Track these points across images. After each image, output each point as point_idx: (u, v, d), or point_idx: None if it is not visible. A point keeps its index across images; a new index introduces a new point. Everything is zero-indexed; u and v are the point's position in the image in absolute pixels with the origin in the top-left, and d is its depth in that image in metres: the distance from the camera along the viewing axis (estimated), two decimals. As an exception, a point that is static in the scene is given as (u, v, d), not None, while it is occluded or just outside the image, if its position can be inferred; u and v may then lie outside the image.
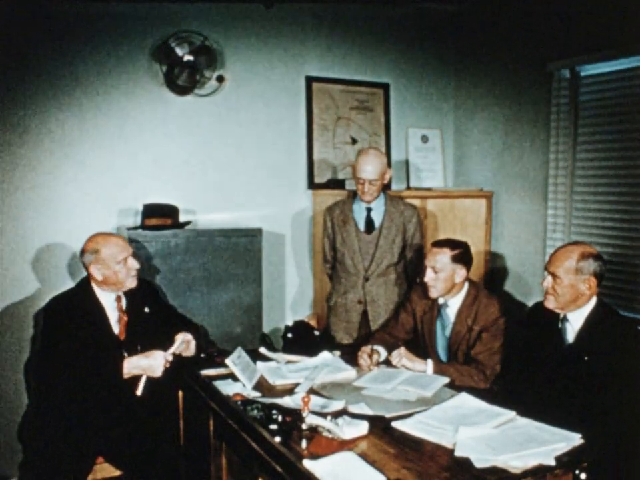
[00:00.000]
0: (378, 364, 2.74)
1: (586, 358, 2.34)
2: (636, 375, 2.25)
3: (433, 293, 2.85)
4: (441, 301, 2.91)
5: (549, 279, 2.43)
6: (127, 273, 2.71)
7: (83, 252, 2.72)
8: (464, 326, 2.83)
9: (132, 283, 2.74)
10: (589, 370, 2.33)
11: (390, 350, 2.84)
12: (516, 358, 2.68)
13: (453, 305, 2.88)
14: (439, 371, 2.68)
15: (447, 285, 2.82)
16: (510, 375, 2.69)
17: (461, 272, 2.83)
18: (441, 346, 2.94)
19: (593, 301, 2.43)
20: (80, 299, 2.70)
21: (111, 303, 2.74)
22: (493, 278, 3.99)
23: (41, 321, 2.74)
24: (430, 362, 2.72)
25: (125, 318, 2.75)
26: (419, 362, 2.73)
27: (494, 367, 2.71)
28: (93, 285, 2.73)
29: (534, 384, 2.50)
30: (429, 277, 2.83)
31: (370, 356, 2.72)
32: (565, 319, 2.46)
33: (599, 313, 2.41)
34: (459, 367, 2.73)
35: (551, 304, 2.44)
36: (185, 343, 2.74)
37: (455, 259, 2.81)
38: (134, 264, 2.74)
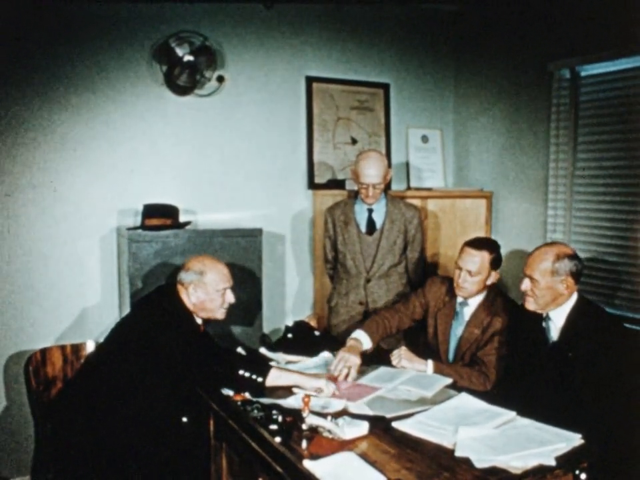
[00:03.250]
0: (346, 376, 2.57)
1: (570, 355, 2.37)
2: (619, 369, 2.27)
3: (463, 293, 2.78)
4: (460, 298, 2.85)
5: (527, 281, 2.45)
6: (221, 304, 2.66)
7: (186, 269, 2.64)
8: (478, 327, 2.77)
9: (221, 315, 2.69)
10: (573, 367, 2.35)
11: (379, 338, 2.82)
12: (506, 358, 2.68)
13: (472, 304, 2.82)
14: (439, 371, 2.66)
15: (480, 287, 2.77)
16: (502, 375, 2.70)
17: (494, 274, 2.79)
18: (451, 344, 2.88)
19: (574, 297, 2.46)
20: (179, 316, 2.60)
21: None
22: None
23: (144, 323, 2.59)
24: (430, 362, 2.69)
25: None
26: (418, 362, 2.70)
27: (496, 372, 2.67)
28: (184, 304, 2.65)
29: (522, 383, 2.51)
30: (463, 278, 2.73)
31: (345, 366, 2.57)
32: (547, 318, 2.49)
33: (580, 310, 2.44)
34: (460, 368, 2.70)
35: (531, 306, 2.47)
36: None
37: (492, 263, 2.75)
38: (230, 298, 2.68)
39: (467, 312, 2.83)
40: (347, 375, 2.54)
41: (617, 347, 2.31)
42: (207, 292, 2.61)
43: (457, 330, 2.85)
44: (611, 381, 2.27)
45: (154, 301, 2.67)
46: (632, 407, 2.24)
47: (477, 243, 2.79)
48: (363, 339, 2.78)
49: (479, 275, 2.73)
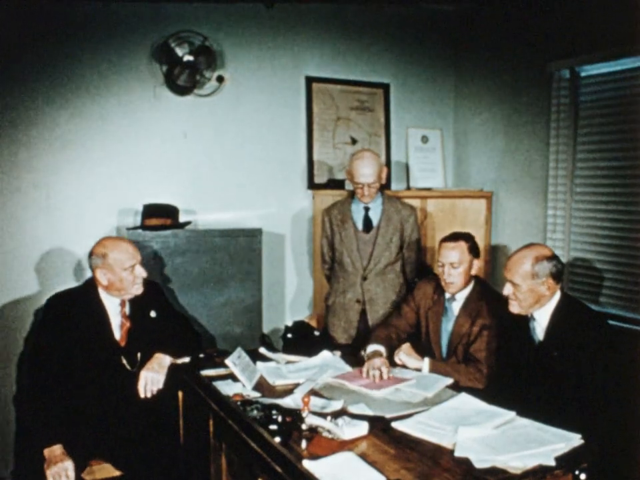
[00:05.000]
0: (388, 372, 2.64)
1: (555, 353, 2.39)
2: (602, 365, 2.29)
3: (452, 289, 2.82)
4: (447, 294, 2.89)
5: (509, 286, 2.47)
6: (133, 281, 2.65)
7: (90, 254, 2.67)
8: (467, 321, 2.81)
9: (137, 291, 2.69)
10: (559, 365, 2.37)
11: (389, 348, 2.83)
12: (498, 359, 2.70)
13: (460, 299, 2.86)
14: (435, 369, 2.69)
15: (466, 278, 2.81)
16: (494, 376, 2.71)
17: (475, 262, 2.84)
18: (443, 340, 2.92)
19: (557, 296, 2.47)
20: (83, 300, 2.66)
21: (114, 308, 2.69)
22: (492, 278, 3.99)
23: (40, 315, 2.70)
24: (427, 360, 2.73)
25: (128, 324, 2.70)
26: (415, 358, 2.75)
27: (491, 367, 2.69)
28: (99, 287, 2.69)
29: (512, 384, 2.53)
30: (448, 273, 2.79)
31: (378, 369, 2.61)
32: (532, 318, 2.51)
33: (563, 308, 2.45)
34: (456, 365, 2.73)
35: (515, 309, 2.49)
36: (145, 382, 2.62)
37: (471, 251, 2.82)
38: (141, 272, 2.68)
39: (456, 307, 2.87)
40: (380, 376, 2.57)
41: (599, 343, 2.33)
42: (113, 272, 2.62)
43: (447, 326, 2.89)
44: (595, 378, 2.29)
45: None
46: (618, 403, 2.27)
47: (452, 236, 2.87)
48: (380, 350, 2.79)
49: (462, 265, 2.79)
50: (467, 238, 2.85)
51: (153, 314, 2.79)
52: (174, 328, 2.85)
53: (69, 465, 2.35)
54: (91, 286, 2.71)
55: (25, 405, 2.55)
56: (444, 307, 2.91)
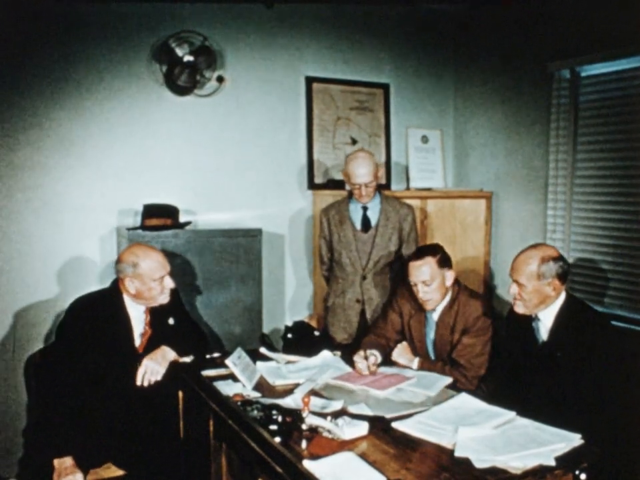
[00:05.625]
0: (377, 365, 2.67)
1: (558, 354, 2.39)
2: (605, 366, 2.30)
3: (430, 305, 2.78)
4: None
5: (514, 286, 2.47)
6: (161, 291, 2.63)
7: (119, 261, 2.62)
8: (447, 328, 2.79)
9: (164, 300, 2.66)
10: (562, 365, 2.37)
11: (383, 354, 2.81)
12: (500, 359, 2.70)
13: (438, 308, 2.83)
14: (422, 368, 2.71)
15: (442, 292, 2.76)
16: (495, 375, 2.71)
17: (449, 274, 2.77)
18: (429, 349, 2.91)
19: (562, 297, 2.47)
20: (107, 305, 2.61)
21: (139, 315, 2.66)
22: (492, 278, 3.99)
23: (62, 316, 2.65)
24: (416, 360, 2.75)
25: (150, 332, 2.68)
26: (409, 358, 2.77)
27: (477, 370, 2.69)
28: (124, 294, 2.65)
29: (514, 384, 2.53)
30: (422, 291, 2.73)
31: (366, 358, 2.63)
32: (536, 318, 2.52)
33: (568, 309, 2.45)
34: (442, 368, 2.72)
35: (520, 309, 2.49)
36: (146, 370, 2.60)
37: (441, 263, 2.74)
38: (169, 283, 2.66)
39: (435, 316, 2.85)
40: (374, 369, 2.60)
41: (602, 344, 2.34)
42: (143, 282, 2.58)
43: (430, 334, 2.88)
44: (597, 378, 2.29)
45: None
46: (620, 403, 2.27)
47: (418, 253, 2.81)
48: (375, 353, 2.77)
49: (434, 281, 2.72)
50: (434, 252, 2.77)
51: (171, 321, 2.77)
52: (184, 328, 2.84)
53: (79, 478, 2.34)
54: (115, 292, 2.65)
55: (38, 411, 2.51)
56: (425, 317, 2.89)
